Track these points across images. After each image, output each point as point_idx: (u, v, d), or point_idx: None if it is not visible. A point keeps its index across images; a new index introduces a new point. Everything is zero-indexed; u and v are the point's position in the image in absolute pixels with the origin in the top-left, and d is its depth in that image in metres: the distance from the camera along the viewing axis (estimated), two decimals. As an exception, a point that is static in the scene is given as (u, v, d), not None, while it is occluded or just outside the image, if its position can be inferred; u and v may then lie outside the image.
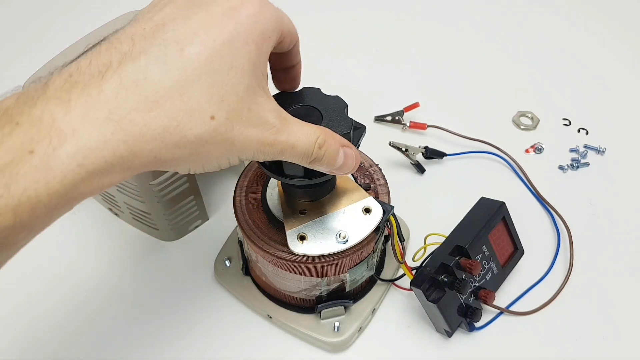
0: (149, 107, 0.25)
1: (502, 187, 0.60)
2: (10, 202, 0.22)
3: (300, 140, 0.31)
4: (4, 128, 0.23)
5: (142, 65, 0.26)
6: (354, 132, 0.36)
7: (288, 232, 0.40)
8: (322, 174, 0.36)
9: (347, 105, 0.36)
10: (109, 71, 0.25)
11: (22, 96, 0.24)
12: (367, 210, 0.41)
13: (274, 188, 0.44)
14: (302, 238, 0.40)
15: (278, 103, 0.36)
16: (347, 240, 0.40)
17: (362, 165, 0.47)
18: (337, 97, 0.37)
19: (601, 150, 0.63)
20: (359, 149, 0.37)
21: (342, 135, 0.34)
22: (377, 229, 0.41)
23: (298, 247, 0.40)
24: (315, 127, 0.32)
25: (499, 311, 0.49)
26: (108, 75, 0.25)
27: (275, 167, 0.35)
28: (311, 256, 0.40)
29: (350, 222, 0.41)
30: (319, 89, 0.38)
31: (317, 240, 0.40)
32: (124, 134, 0.24)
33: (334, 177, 0.42)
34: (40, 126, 0.23)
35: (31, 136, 0.23)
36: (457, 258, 0.44)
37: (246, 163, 0.51)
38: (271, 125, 0.29)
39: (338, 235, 0.40)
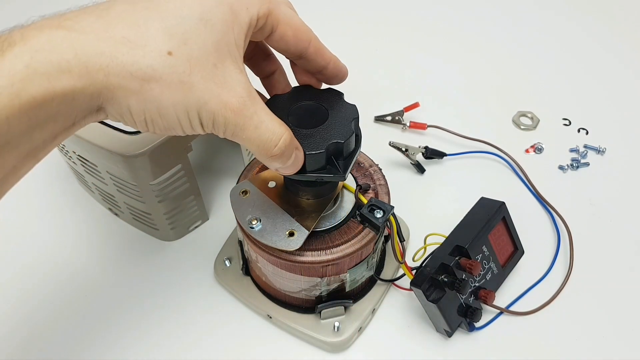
0: (103, 28, 0.25)
1: (502, 187, 0.60)
2: None
3: (266, 124, 0.30)
4: None
5: (108, 2, 0.27)
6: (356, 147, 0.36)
7: (245, 180, 0.42)
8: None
9: (357, 117, 0.36)
10: (78, 8, 0.26)
11: None
12: (290, 234, 0.40)
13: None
14: (244, 193, 0.42)
15: (295, 94, 0.37)
16: (252, 228, 0.40)
17: (362, 165, 0.47)
18: (352, 107, 0.36)
19: (601, 150, 0.63)
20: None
21: (333, 143, 0.34)
22: (377, 229, 0.41)
23: (234, 197, 0.42)
24: (282, 122, 0.31)
25: (499, 311, 0.49)
26: (74, 9, 0.26)
27: None
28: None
29: (273, 223, 0.40)
30: (342, 94, 0.37)
31: (245, 205, 0.41)
32: (73, 41, 0.24)
33: (324, 190, 0.41)
34: None
35: None
36: (457, 258, 0.44)
37: (246, 163, 0.51)
38: (237, 93, 0.28)
39: (252, 218, 0.40)
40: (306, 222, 0.40)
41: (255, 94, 0.30)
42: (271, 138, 0.30)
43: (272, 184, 0.43)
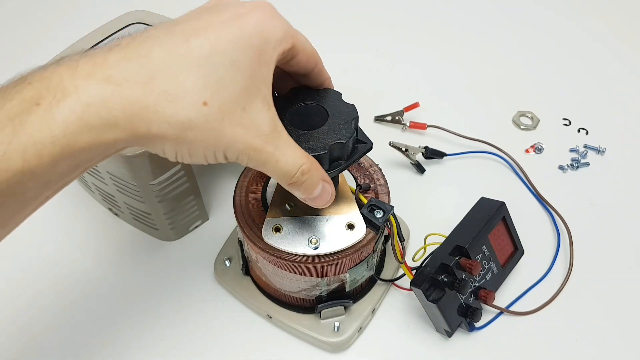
0: (146, 80, 0.27)
1: (502, 187, 0.60)
2: (19, 147, 0.24)
3: (286, 157, 0.31)
4: (18, 86, 0.26)
5: (146, 46, 0.28)
6: (359, 146, 0.37)
7: (266, 220, 0.41)
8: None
9: (357, 117, 0.36)
10: (117, 47, 0.28)
11: (41, 67, 0.27)
12: (350, 226, 0.41)
13: (273, 187, 0.44)
14: (277, 230, 0.41)
15: (293, 95, 0.37)
16: (317, 247, 0.40)
17: (362, 165, 0.47)
18: (352, 106, 0.37)
19: (601, 150, 0.63)
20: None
21: (335, 145, 0.34)
22: (377, 229, 0.41)
23: (269, 237, 0.40)
24: (304, 154, 0.33)
25: (499, 311, 0.49)
26: (115, 50, 0.28)
27: None
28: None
29: (328, 231, 0.40)
30: (340, 94, 0.38)
31: (289, 237, 0.40)
32: (121, 97, 0.26)
33: (335, 182, 0.41)
34: (48, 84, 0.26)
35: (39, 91, 0.25)
36: (457, 258, 0.44)
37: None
38: (262, 132, 0.30)
39: (310, 240, 0.40)
40: (348, 207, 0.41)
41: (280, 127, 0.32)
42: (291, 169, 0.32)
43: (289, 207, 0.42)
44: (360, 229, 0.41)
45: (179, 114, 0.27)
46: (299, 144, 0.33)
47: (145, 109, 0.27)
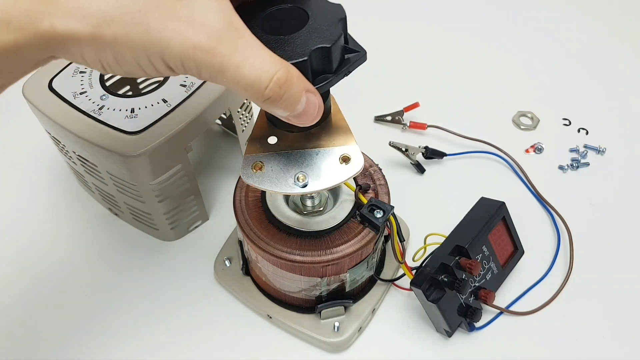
0: None
1: (502, 187, 0.60)
2: None
3: (251, 63, 0.24)
4: None
5: None
6: (350, 56, 0.31)
7: (245, 156, 0.35)
8: None
9: (345, 17, 0.30)
10: None
11: None
12: (345, 159, 0.35)
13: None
14: (257, 167, 0.35)
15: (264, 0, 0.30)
16: (305, 185, 0.34)
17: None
18: (338, 6, 0.31)
19: (601, 150, 0.63)
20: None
21: (317, 50, 0.28)
22: (377, 229, 0.41)
23: (249, 177, 0.35)
24: (277, 58, 0.25)
25: (499, 311, 0.49)
26: None
27: None
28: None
29: (319, 166, 0.35)
30: None
31: (272, 175, 0.34)
32: None
33: (323, 98, 0.33)
34: None
35: None
36: (457, 258, 0.44)
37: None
38: (211, 28, 0.23)
39: (296, 177, 0.34)
40: (344, 139, 0.35)
41: (238, 23, 0.25)
42: (260, 78, 0.24)
43: (272, 140, 0.36)
44: (357, 162, 0.34)
45: (89, 6, 0.22)
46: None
47: (44, 2, 0.22)
